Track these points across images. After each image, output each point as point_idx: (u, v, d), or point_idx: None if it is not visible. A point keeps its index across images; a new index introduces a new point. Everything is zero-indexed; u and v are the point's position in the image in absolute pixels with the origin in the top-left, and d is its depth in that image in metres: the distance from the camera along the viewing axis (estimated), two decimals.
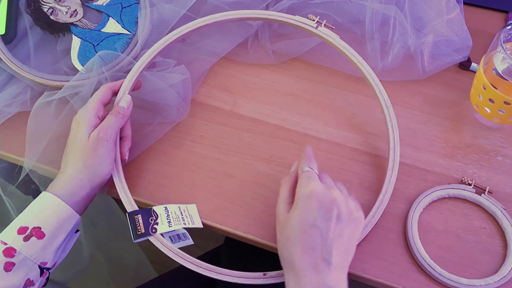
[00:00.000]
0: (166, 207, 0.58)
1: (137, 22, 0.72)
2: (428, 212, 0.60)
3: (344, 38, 0.66)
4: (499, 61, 0.61)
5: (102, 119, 0.59)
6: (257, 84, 0.72)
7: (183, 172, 0.64)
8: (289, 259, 0.49)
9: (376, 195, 0.60)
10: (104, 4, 0.74)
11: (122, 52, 0.69)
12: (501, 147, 0.66)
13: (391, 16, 0.70)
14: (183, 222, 0.57)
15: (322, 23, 0.66)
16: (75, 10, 0.73)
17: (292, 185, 0.54)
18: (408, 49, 0.70)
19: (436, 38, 0.70)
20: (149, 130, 0.66)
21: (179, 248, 0.55)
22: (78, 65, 0.69)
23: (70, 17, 0.72)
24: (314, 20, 0.66)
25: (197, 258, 0.54)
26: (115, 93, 0.62)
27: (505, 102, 0.60)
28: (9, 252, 0.51)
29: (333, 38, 0.66)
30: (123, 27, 0.72)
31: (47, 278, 0.54)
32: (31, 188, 0.79)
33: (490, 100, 0.62)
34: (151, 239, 0.55)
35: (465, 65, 0.73)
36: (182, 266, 0.54)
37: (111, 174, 0.59)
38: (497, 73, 0.61)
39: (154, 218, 0.56)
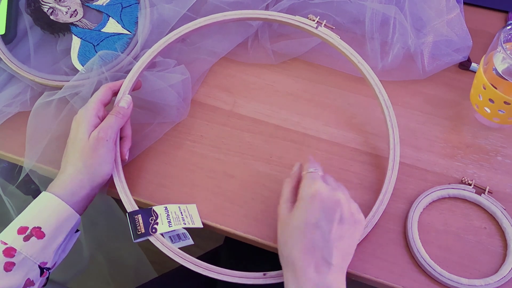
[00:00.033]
0: (166, 207, 0.58)
1: (137, 22, 0.72)
2: (428, 212, 0.60)
3: (344, 38, 0.66)
4: (499, 61, 0.61)
5: (102, 119, 0.59)
6: (257, 84, 0.72)
7: (183, 172, 0.64)
8: (289, 258, 0.49)
9: (376, 195, 0.60)
10: (104, 4, 0.74)
11: (122, 52, 0.69)
12: (501, 147, 0.66)
13: (391, 16, 0.70)
14: (183, 222, 0.57)
15: (322, 23, 0.66)
16: (75, 10, 0.73)
17: (295, 185, 0.54)
18: (408, 49, 0.70)
19: (436, 38, 0.70)
20: (149, 130, 0.66)
21: (179, 248, 0.55)
22: (78, 65, 0.69)
23: (70, 17, 0.72)
24: (314, 20, 0.66)
25: (197, 258, 0.54)
26: (115, 93, 0.62)
27: (505, 102, 0.60)
28: (9, 252, 0.51)
29: (333, 38, 0.66)
30: (123, 27, 0.72)
31: (47, 278, 0.54)
32: (31, 188, 0.79)
33: (490, 100, 0.62)
34: (151, 239, 0.55)
35: (465, 65, 0.73)
36: (182, 266, 0.54)
37: (111, 174, 0.59)
38: (497, 73, 0.61)
39: (154, 218, 0.56)
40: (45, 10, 0.72)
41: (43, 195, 0.54)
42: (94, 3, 0.74)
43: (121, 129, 0.61)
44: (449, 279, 0.55)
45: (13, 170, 0.73)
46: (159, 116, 0.67)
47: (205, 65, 0.72)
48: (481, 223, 0.60)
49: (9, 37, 0.70)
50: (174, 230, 0.56)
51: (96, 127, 0.58)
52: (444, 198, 0.61)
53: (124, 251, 0.89)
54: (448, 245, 0.58)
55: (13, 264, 0.50)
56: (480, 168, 0.64)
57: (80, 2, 0.74)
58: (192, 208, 0.60)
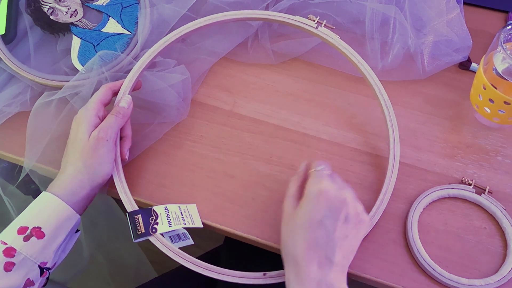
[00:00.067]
0: (166, 207, 0.58)
1: (137, 22, 0.72)
2: (428, 212, 0.60)
3: (344, 38, 0.66)
4: (499, 61, 0.61)
5: (102, 119, 0.59)
6: (257, 84, 0.72)
7: (183, 172, 0.64)
8: (292, 253, 0.49)
9: (376, 195, 0.60)
10: (104, 4, 0.74)
11: (122, 52, 0.69)
12: (501, 147, 0.66)
13: (391, 16, 0.70)
14: (183, 222, 0.57)
15: (322, 23, 0.66)
16: (75, 10, 0.73)
17: (301, 183, 0.54)
18: (408, 49, 0.70)
19: (436, 38, 0.70)
20: (149, 130, 0.66)
21: (179, 248, 0.55)
22: (78, 65, 0.69)
23: (70, 17, 0.72)
24: (314, 20, 0.66)
25: (197, 258, 0.54)
26: (115, 93, 0.62)
27: (505, 102, 0.60)
28: (9, 252, 0.51)
29: (333, 38, 0.66)
30: (123, 27, 0.72)
31: (47, 278, 0.54)
32: (31, 188, 0.79)
33: (490, 100, 0.62)
34: (151, 239, 0.55)
35: (465, 65, 0.73)
36: (182, 266, 0.54)
37: (111, 174, 0.59)
38: (497, 73, 0.61)
39: (154, 218, 0.56)
40: (45, 10, 0.72)
41: (43, 195, 0.54)
42: (94, 3, 0.74)
43: (121, 129, 0.61)
44: (449, 279, 0.55)
45: (13, 170, 0.73)
46: (159, 116, 0.67)
47: (205, 65, 0.72)
48: (481, 223, 0.60)
49: (9, 37, 0.70)
50: (174, 230, 0.56)
51: (96, 127, 0.58)
52: (444, 198, 0.61)
53: (124, 251, 0.89)
54: (448, 245, 0.58)
55: (13, 264, 0.50)
56: (480, 168, 0.64)
57: (80, 2, 0.74)
58: (192, 208, 0.60)
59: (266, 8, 0.73)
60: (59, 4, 0.73)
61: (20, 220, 0.53)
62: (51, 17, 0.72)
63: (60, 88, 0.66)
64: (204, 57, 0.72)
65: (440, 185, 0.61)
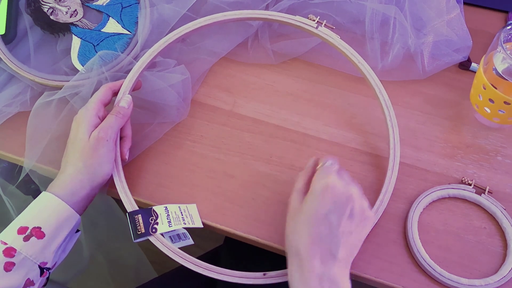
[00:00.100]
0: (166, 207, 0.58)
1: (137, 22, 0.72)
2: (428, 212, 0.60)
3: (344, 38, 0.66)
4: (499, 61, 0.61)
5: (102, 119, 0.59)
6: (257, 84, 0.72)
7: (183, 172, 0.64)
8: (296, 247, 0.49)
9: (376, 195, 0.60)
10: (104, 4, 0.74)
11: (122, 52, 0.69)
12: (501, 147, 0.66)
13: (391, 16, 0.70)
14: (183, 222, 0.57)
15: (322, 23, 0.66)
16: (75, 10, 0.73)
17: (309, 178, 0.53)
18: (408, 49, 0.70)
19: (436, 38, 0.70)
20: (149, 130, 0.66)
21: (179, 248, 0.55)
22: (78, 65, 0.69)
23: (70, 17, 0.72)
24: (314, 20, 0.66)
25: (197, 258, 0.54)
26: (115, 93, 0.62)
27: (505, 102, 0.60)
28: (9, 252, 0.51)
29: (333, 38, 0.66)
30: (123, 27, 0.72)
31: (47, 278, 0.54)
32: (31, 188, 0.79)
33: (490, 100, 0.62)
34: (151, 239, 0.55)
35: (465, 65, 0.73)
36: (182, 266, 0.54)
37: (111, 174, 0.59)
38: (497, 73, 0.61)
39: (154, 218, 0.56)
40: (45, 10, 0.72)
41: (43, 195, 0.54)
42: (94, 3, 0.74)
43: (121, 129, 0.61)
44: (449, 279, 0.55)
45: (13, 170, 0.73)
46: (159, 116, 0.67)
47: (205, 65, 0.72)
48: (481, 223, 0.60)
49: (9, 37, 0.70)
50: (174, 230, 0.56)
51: (96, 127, 0.58)
52: (444, 198, 0.61)
53: (124, 251, 0.89)
54: (448, 245, 0.58)
55: (13, 264, 0.50)
56: (480, 168, 0.64)
57: (80, 2, 0.74)
58: (192, 208, 0.60)
59: (266, 8, 0.73)
60: (59, 4, 0.73)
61: (20, 220, 0.53)
62: (51, 17, 0.72)
63: (60, 88, 0.66)
64: (204, 57, 0.72)
65: (440, 185, 0.61)
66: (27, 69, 0.67)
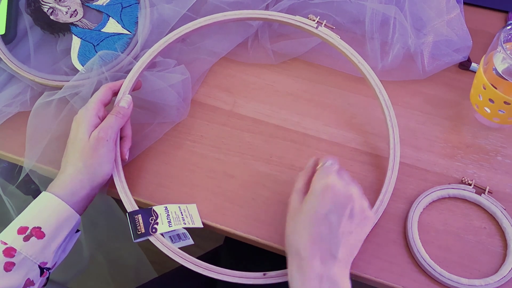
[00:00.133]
0: (166, 207, 0.58)
1: (137, 22, 0.72)
2: (428, 212, 0.60)
3: (344, 38, 0.66)
4: (499, 61, 0.61)
5: (102, 119, 0.59)
6: (257, 84, 0.72)
7: (183, 172, 0.64)
8: (296, 246, 0.49)
9: (376, 195, 0.60)
10: (104, 4, 0.74)
11: (122, 52, 0.69)
12: (501, 147, 0.66)
13: (391, 16, 0.70)
14: (183, 222, 0.57)
15: (322, 23, 0.66)
16: (75, 10, 0.73)
17: (309, 178, 0.53)
18: (408, 49, 0.70)
19: (436, 38, 0.70)
20: (149, 130, 0.66)
21: (179, 248, 0.55)
22: (78, 65, 0.69)
23: (70, 17, 0.72)
24: (314, 20, 0.66)
25: (197, 258, 0.54)
26: (115, 93, 0.62)
27: (505, 102, 0.60)
28: (9, 252, 0.51)
29: (333, 38, 0.66)
30: (123, 27, 0.72)
31: (47, 278, 0.54)
32: (31, 188, 0.79)
33: (490, 100, 0.62)
34: (151, 239, 0.55)
35: (465, 65, 0.73)
36: (182, 266, 0.54)
37: (111, 174, 0.59)
38: (497, 73, 0.61)
39: (154, 218, 0.56)
40: (45, 10, 0.72)
41: (43, 195, 0.54)
42: (94, 3, 0.74)
43: (121, 129, 0.61)
44: (449, 279, 0.55)
45: (13, 170, 0.73)
46: (159, 116, 0.67)
47: (205, 65, 0.72)
48: (481, 223, 0.60)
49: (9, 37, 0.70)
50: (174, 230, 0.56)
51: (96, 127, 0.58)
52: (444, 198, 0.61)
53: (124, 251, 0.89)
54: (448, 245, 0.58)
55: (13, 264, 0.50)
56: (480, 168, 0.64)
57: (80, 2, 0.74)
58: (192, 208, 0.60)
59: (266, 8, 0.73)
60: (59, 4, 0.73)
61: (20, 220, 0.53)
62: (51, 17, 0.72)
63: (60, 88, 0.66)
64: (204, 57, 0.72)
65: (440, 185, 0.61)
66: (27, 69, 0.67)
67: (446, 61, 0.70)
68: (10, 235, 0.52)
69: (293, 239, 0.50)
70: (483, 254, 0.57)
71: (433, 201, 0.61)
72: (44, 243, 0.52)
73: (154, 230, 0.55)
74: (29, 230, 0.52)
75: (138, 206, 0.58)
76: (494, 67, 0.61)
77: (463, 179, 0.61)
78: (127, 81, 0.63)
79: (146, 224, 0.55)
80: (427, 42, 0.70)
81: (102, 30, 0.72)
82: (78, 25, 0.72)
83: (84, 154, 0.56)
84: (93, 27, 0.72)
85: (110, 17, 0.73)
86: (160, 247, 0.54)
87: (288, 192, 0.54)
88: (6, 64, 0.67)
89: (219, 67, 0.73)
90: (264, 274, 0.54)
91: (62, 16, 0.72)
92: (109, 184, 0.60)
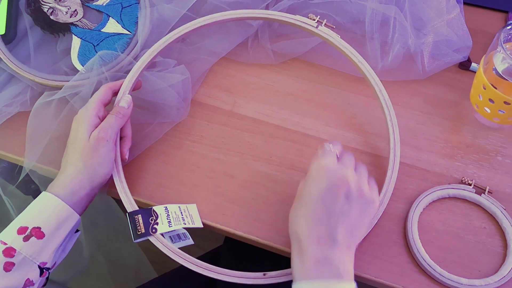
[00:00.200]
0: (166, 207, 0.58)
1: (137, 22, 0.72)
2: (428, 212, 0.60)
3: (344, 38, 0.66)
4: (499, 61, 0.61)
5: (102, 119, 0.59)
6: (257, 84, 0.72)
7: (183, 172, 0.64)
8: (295, 230, 0.49)
9: None
10: (104, 4, 0.74)
11: (122, 52, 0.69)
12: (501, 147, 0.66)
13: (391, 16, 0.70)
14: (183, 222, 0.57)
15: (322, 23, 0.66)
16: (75, 10, 0.73)
17: None
18: (408, 49, 0.70)
19: (436, 38, 0.70)
20: (149, 130, 0.66)
21: (179, 248, 0.55)
22: (78, 65, 0.69)
23: (70, 17, 0.72)
24: (314, 20, 0.66)
25: (197, 258, 0.54)
26: (115, 93, 0.62)
27: (505, 102, 0.60)
28: (9, 252, 0.51)
29: (334, 37, 0.65)
30: (123, 27, 0.72)
31: (47, 278, 0.54)
32: (31, 188, 0.79)
33: (490, 100, 0.62)
34: (151, 239, 0.55)
35: (465, 65, 0.73)
36: (182, 266, 0.54)
37: (111, 174, 0.59)
38: (497, 73, 0.61)
39: (154, 218, 0.56)
40: (45, 10, 0.72)
41: (43, 195, 0.54)
42: (94, 3, 0.74)
43: (121, 129, 0.61)
44: (449, 279, 0.55)
45: (13, 170, 0.73)
46: (159, 116, 0.67)
47: (205, 65, 0.72)
48: (481, 223, 0.60)
49: (9, 37, 0.70)
50: (174, 230, 0.56)
51: (96, 127, 0.58)
52: (444, 198, 0.61)
53: (124, 251, 0.89)
54: (448, 245, 0.58)
55: (13, 264, 0.50)
56: (480, 168, 0.64)
57: (80, 2, 0.74)
58: (192, 208, 0.60)
59: (266, 8, 0.73)
60: (59, 4, 0.73)
61: (20, 220, 0.53)
62: (51, 17, 0.72)
63: (60, 88, 0.66)
64: (204, 57, 0.72)
65: (440, 185, 0.61)
66: (27, 69, 0.67)
67: (446, 61, 0.70)
68: (10, 235, 0.52)
69: (293, 223, 0.50)
70: (483, 254, 0.57)
71: (433, 201, 0.61)
72: (44, 243, 0.52)
73: (154, 230, 0.55)
74: (28, 230, 0.52)
75: (138, 206, 0.58)
76: (494, 67, 0.61)
77: (463, 179, 0.61)
78: (127, 81, 0.63)
79: (146, 224, 0.55)
80: (427, 42, 0.70)
81: (102, 30, 0.72)
82: (78, 25, 0.72)
83: (84, 154, 0.56)
84: (93, 27, 0.72)
85: (110, 17, 0.73)
86: (160, 247, 0.54)
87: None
88: (6, 64, 0.67)
89: (219, 67, 0.73)
90: (264, 274, 0.54)
91: (62, 16, 0.72)
92: (109, 184, 0.60)
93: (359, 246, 0.57)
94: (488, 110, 0.63)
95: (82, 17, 0.73)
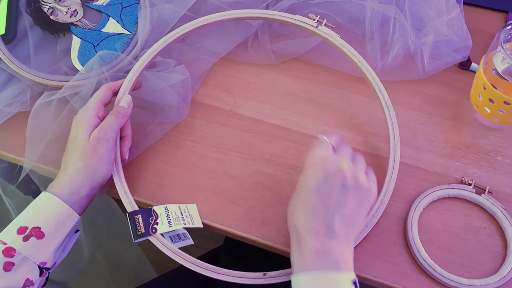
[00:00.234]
0: (166, 207, 0.58)
1: (137, 22, 0.72)
2: (428, 212, 0.60)
3: (344, 38, 0.66)
4: (499, 61, 0.61)
5: (102, 119, 0.59)
6: (257, 84, 0.72)
7: (183, 172, 0.64)
8: (294, 222, 0.49)
9: None
10: (104, 4, 0.74)
11: (122, 52, 0.69)
12: (501, 147, 0.66)
13: (391, 16, 0.70)
14: (183, 222, 0.57)
15: (322, 23, 0.66)
16: (75, 10, 0.73)
17: None
18: (408, 49, 0.70)
19: (436, 38, 0.70)
20: (149, 130, 0.66)
21: (179, 248, 0.55)
22: (78, 65, 0.69)
23: (70, 17, 0.72)
24: (314, 20, 0.66)
25: (197, 258, 0.54)
26: (115, 93, 0.62)
27: (505, 102, 0.60)
28: (9, 252, 0.50)
29: (334, 37, 0.65)
30: (123, 27, 0.72)
31: (47, 278, 0.54)
32: (31, 188, 0.79)
33: (490, 100, 0.62)
34: (151, 239, 0.55)
35: (465, 65, 0.73)
36: (182, 266, 0.54)
37: (111, 174, 0.59)
38: (497, 73, 0.61)
39: (154, 218, 0.56)
40: (45, 10, 0.72)
41: (43, 195, 0.54)
42: (94, 3, 0.74)
43: (121, 129, 0.61)
44: (449, 279, 0.55)
45: (13, 170, 0.73)
46: (159, 116, 0.67)
47: (205, 65, 0.72)
48: (481, 223, 0.60)
49: (9, 37, 0.70)
50: (174, 230, 0.56)
51: (96, 127, 0.58)
52: (444, 198, 0.61)
53: (124, 251, 0.89)
54: (448, 245, 0.58)
55: (13, 264, 0.50)
56: (480, 168, 0.64)
57: (80, 2, 0.74)
58: (192, 208, 0.60)
59: (266, 8, 0.73)
60: (59, 4, 0.73)
61: (20, 220, 0.53)
62: (51, 17, 0.72)
63: (60, 88, 0.66)
64: (204, 57, 0.72)
65: (440, 185, 0.61)
66: (27, 69, 0.67)
67: (446, 61, 0.70)
68: (9, 235, 0.52)
69: (291, 216, 0.50)
70: (483, 254, 0.57)
71: (433, 201, 0.61)
72: (44, 243, 0.52)
73: (154, 230, 0.55)
74: (28, 230, 0.52)
75: (138, 206, 0.58)
76: (494, 67, 0.61)
77: (463, 179, 0.61)
78: (127, 81, 0.63)
79: (146, 224, 0.55)
80: (427, 42, 0.70)
81: (102, 30, 0.72)
82: (78, 25, 0.72)
83: (84, 154, 0.56)
84: (93, 27, 0.72)
85: (110, 17, 0.73)
86: (160, 247, 0.54)
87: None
88: (6, 64, 0.67)
89: (219, 67, 0.73)
90: (264, 274, 0.54)
91: (62, 16, 0.72)
92: (109, 184, 0.60)
93: (359, 246, 0.57)
94: (488, 110, 0.63)
95: (82, 17, 0.73)
